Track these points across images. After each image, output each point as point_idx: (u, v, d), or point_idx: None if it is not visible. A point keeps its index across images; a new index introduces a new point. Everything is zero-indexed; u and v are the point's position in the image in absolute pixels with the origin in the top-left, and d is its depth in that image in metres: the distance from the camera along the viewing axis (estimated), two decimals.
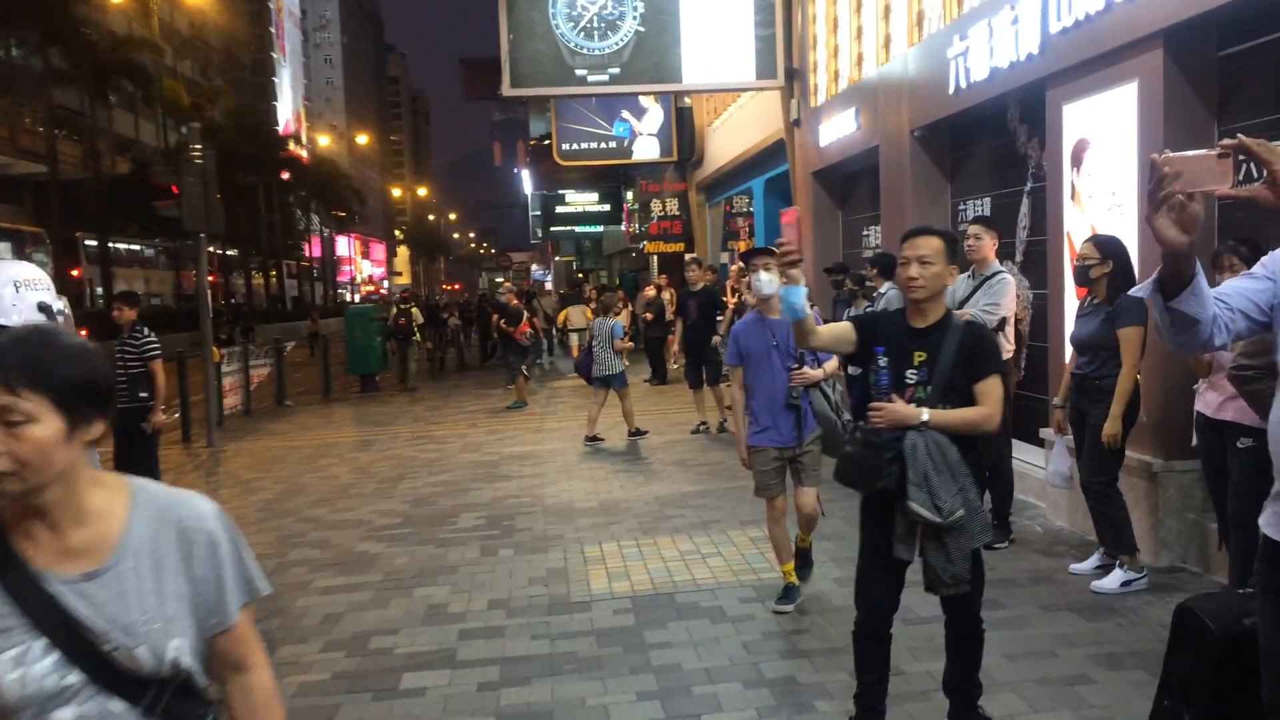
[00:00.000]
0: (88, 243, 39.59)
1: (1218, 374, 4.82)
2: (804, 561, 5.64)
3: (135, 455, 8.44)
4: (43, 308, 3.19)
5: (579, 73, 12.54)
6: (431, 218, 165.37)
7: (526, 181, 67.27)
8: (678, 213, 22.65)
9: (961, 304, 6.45)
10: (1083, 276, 5.36)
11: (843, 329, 3.77)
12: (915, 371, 3.54)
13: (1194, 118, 5.65)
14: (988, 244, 6.50)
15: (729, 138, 18.23)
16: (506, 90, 12.66)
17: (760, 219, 16.83)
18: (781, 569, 5.49)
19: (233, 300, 55.42)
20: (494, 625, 5.47)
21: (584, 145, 22.36)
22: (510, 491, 9.20)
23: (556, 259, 58.88)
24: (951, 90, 8.23)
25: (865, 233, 11.60)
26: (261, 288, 60.96)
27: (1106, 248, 5.33)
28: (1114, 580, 5.28)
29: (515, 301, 15.97)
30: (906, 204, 9.13)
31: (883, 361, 3.50)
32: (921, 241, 3.53)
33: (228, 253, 56.10)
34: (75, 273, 38.61)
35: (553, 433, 12.69)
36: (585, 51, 12.39)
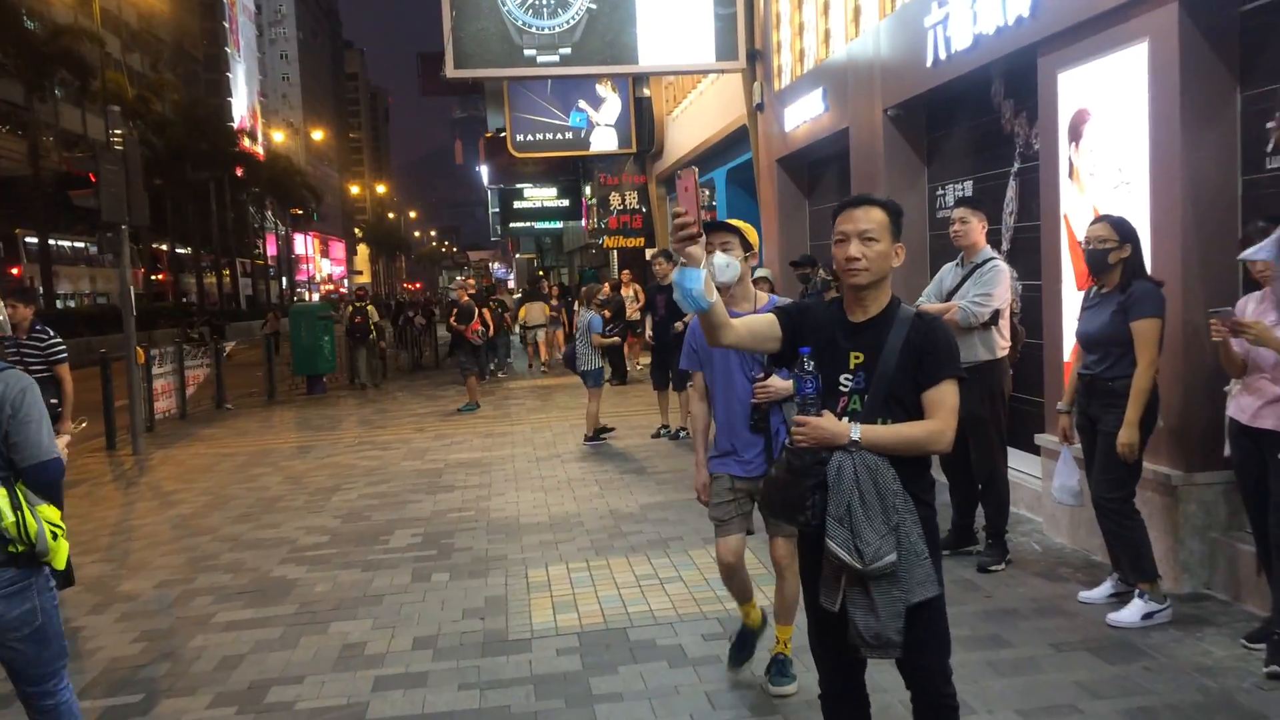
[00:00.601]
0: (28, 240, 38.23)
1: (1254, 375, 4.15)
2: (744, 644, 4.44)
3: None
4: None
5: (528, 53, 11.76)
6: (391, 216, 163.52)
7: (486, 177, 66.35)
8: (638, 206, 21.90)
9: (949, 295, 5.76)
10: (1098, 262, 4.67)
11: (764, 322, 2.97)
12: (850, 377, 2.80)
13: (1214, 82, 4.98)
14: (976, 227, 5.81)
15: (689, 127, 17.52)
16: (450, 72, 11.84)
17: (723, 211, 16.11)
18: (741, 609, 4.42)
19: (185, 300, 54.02)
20: (416, 671, 4.68)
21: (540, 136, 21.54)
22: (453, 504, 8.41)
23: (518, 256, 58.02)
24: (929, 63, 7.54)
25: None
26: (214, 287, 59.50)
27: (1122, 229, 4.64)
28: (1134, 612, 4.58)
29: (466, 298, 15.14)
30: (880, 190, 8.43)
31: (809, 365, 2.75)
32: (861, 214, 2.81)
33: (178, 250, 54.65)
34: (15, 271, 37.23)
35: (504, 438, 11.91)
36: (534, 30, 11.60)
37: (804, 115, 10.66)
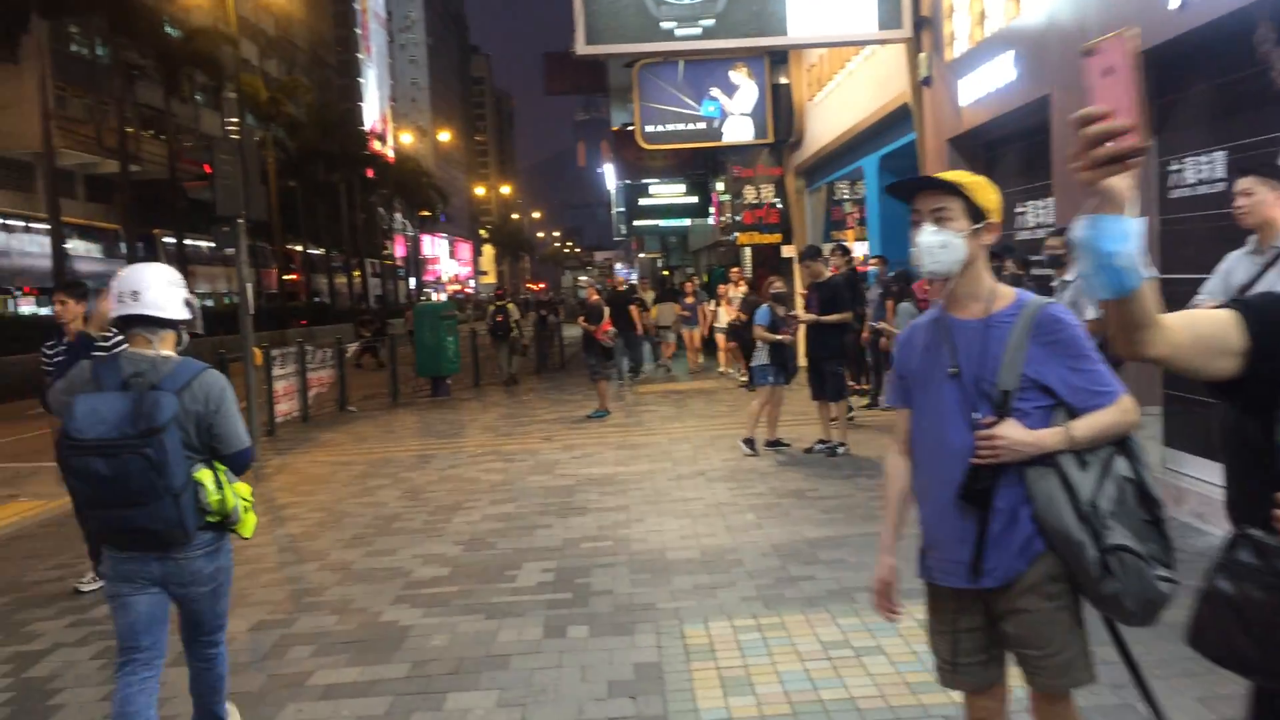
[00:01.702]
0: (166, 240, 39.06)
1: None
2: None
3: None
4: (187, 303, 3.60)
5: (666, 25, 10.67)
6: (516, 217, 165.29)
7: (610, 177, 65.72)
8: (774, 200, 20.61)
9: (1244, 290, 4.41)
10: None
11: (1214, 323, 1.78)
12: None
13: None
14: (1269, 200, 4.45)
15: (834, 112, 16.18)
16: (581, 48, 10.84)
17: (874, 203, 14.73)
18: None
19: (316, 299, 54.88)
20: None
21: (670, 127, 20.43)
22: (586, 530, 7.36)
23: (641, 256, 57.20)
24: (1176, 4, 6.14)
25: (1019, 209, 9.48)
26: (345, 286, 60.40)
27: None
28: None
29: (595, 297, 14.15)
30: None
31: None
32: None
33: (310, 251, 55.59)
34: None
35: (639, 450, 10.84)
36: (673, 0, 10.50)
37: (985, 86, 9.28)
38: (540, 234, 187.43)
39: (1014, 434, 2.48)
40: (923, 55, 10.95)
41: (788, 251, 20.76)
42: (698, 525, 7.31)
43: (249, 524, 3.73)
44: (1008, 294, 2.64)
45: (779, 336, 9.83)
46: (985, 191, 2.67)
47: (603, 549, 6.80)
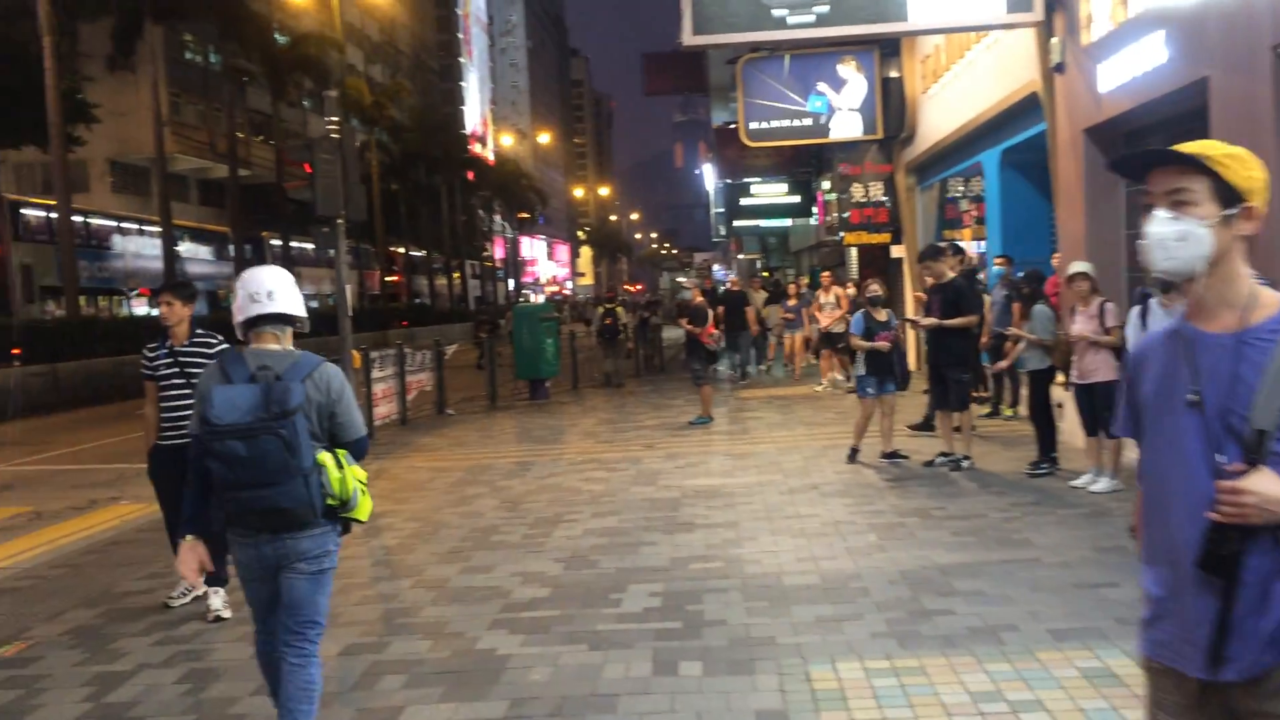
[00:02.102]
0: (273, 243, 39.86)
1: None
2: None
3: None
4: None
5: (777, 13, 10.14)
6: (614, 218, 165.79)
7: (709, 177, 65.14)
8: (883, 198, 19.85)
9: None
10: None
11: None
12: None
13: None
14: None
15: (951, 105, 15.40)
16: (687, 39, 10.37)
17: (994, 199, 13.93)
18: None
19: (417, 300, 55.57)
20: None
21: (774, 124, 19.83)
22: (694, 549, 6.88)
23: (740, 257, 56.52)
24: None
25: None
26: (444, 288, 61.07)
27: None
28: None
29: (700, 298, 13.65)
30: (1267, 151, 6.27)
31: None
32: None
33: (412, 253, 56.32)
34: None
35: (746, 460, 10.31)
36: None
37: (1130, 71, 8.52)
38: (638, 235, 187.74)
39: (1267, 488, 1.88)
40: (1055, 40, 10.18)
41: (897, 252, 19.98)
42: (815, 546, 6.76)
43: (365, 507, 3.90)
44: (1272, 301, 2.05)
45: (875, 344, 9.24)
46: (1242, 166, 2.04)
47: (713, 571, 6.31)
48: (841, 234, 20.09)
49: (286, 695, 3.72)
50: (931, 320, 9.01)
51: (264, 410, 3.56)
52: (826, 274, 17.22)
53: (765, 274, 43.31)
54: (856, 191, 20.14)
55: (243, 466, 3.56)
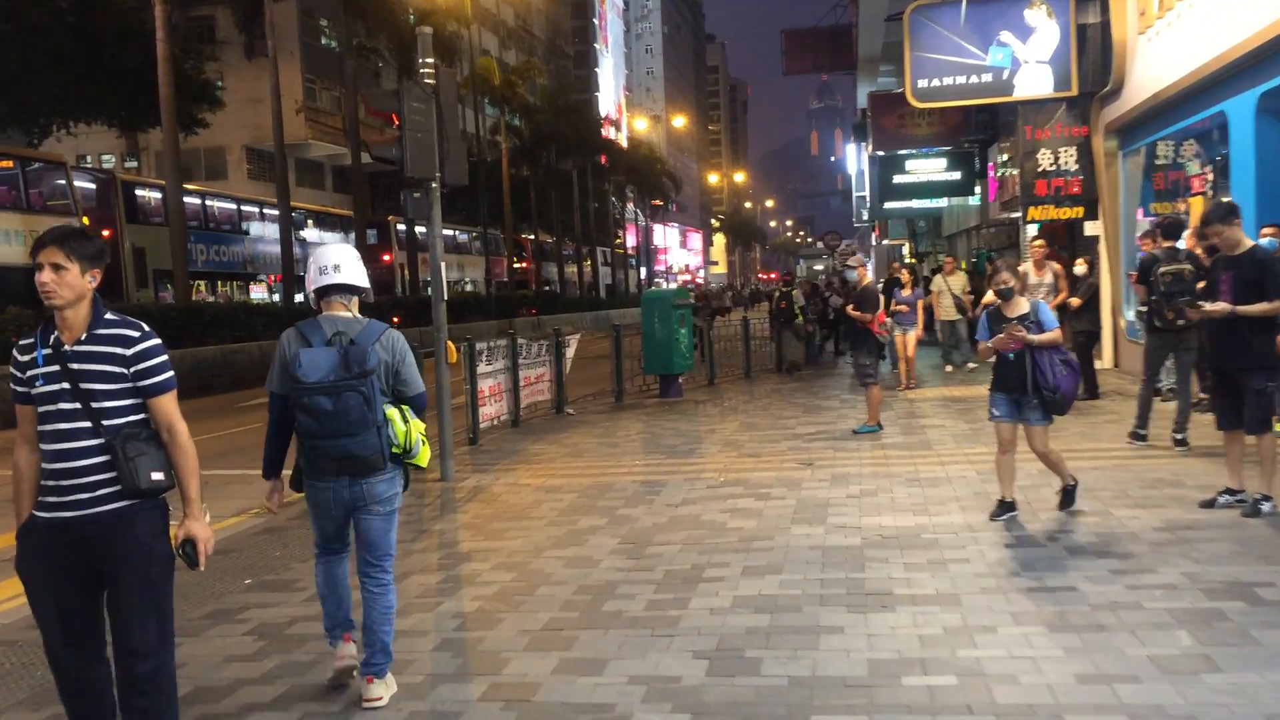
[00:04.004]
0: (399, 227, 38.82)
1: None
2: None
3: None
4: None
5: None
6: (749, 205, 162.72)
7: (851, 159, 61.81)
8: (1075, 167, 16.94)
9: None
10: None
11: None
12: None
13: None
14: None
15: (1179, 46, 12.55)
16: None
17: (1248, 156, 11.04)
18: None
19: (547, 287, 54.23)
20: None
21: (947, 81, 17.16)
22: (904, 646, 4.58)
23: (884, 242, 53.22)
24: None
25: None
26: (574, 276, 59.60)
27: None
28: None
29: (868, 280, 11.23)
30: None
31: None
32: None
33: (542, 239, 54.95)
34: (386, 257, 37.85)
35: (939, 487, 7.91)
36: None
37: None
38: (772, 223, 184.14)
39: None
40: None
41: (1091, 229, 17.08)
42: (1096, 654, 4.37)
43: (425, 455, 4.41)
44: None
45: (998, 344, 6.62)
46: None
47: (945, 694, 4.01)
48: (1026, 208, 17.24)
49: (372, 619, 4.32)
50: (1222, 306, 6.43)
51: (345, 370, 4.09)
52: (949, 259, 14.06)
53: (912, 260, 40.23)
54: (1043, 159, 17.29)
55: (328, 419, 4.08)
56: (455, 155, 9.36)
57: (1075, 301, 12.21)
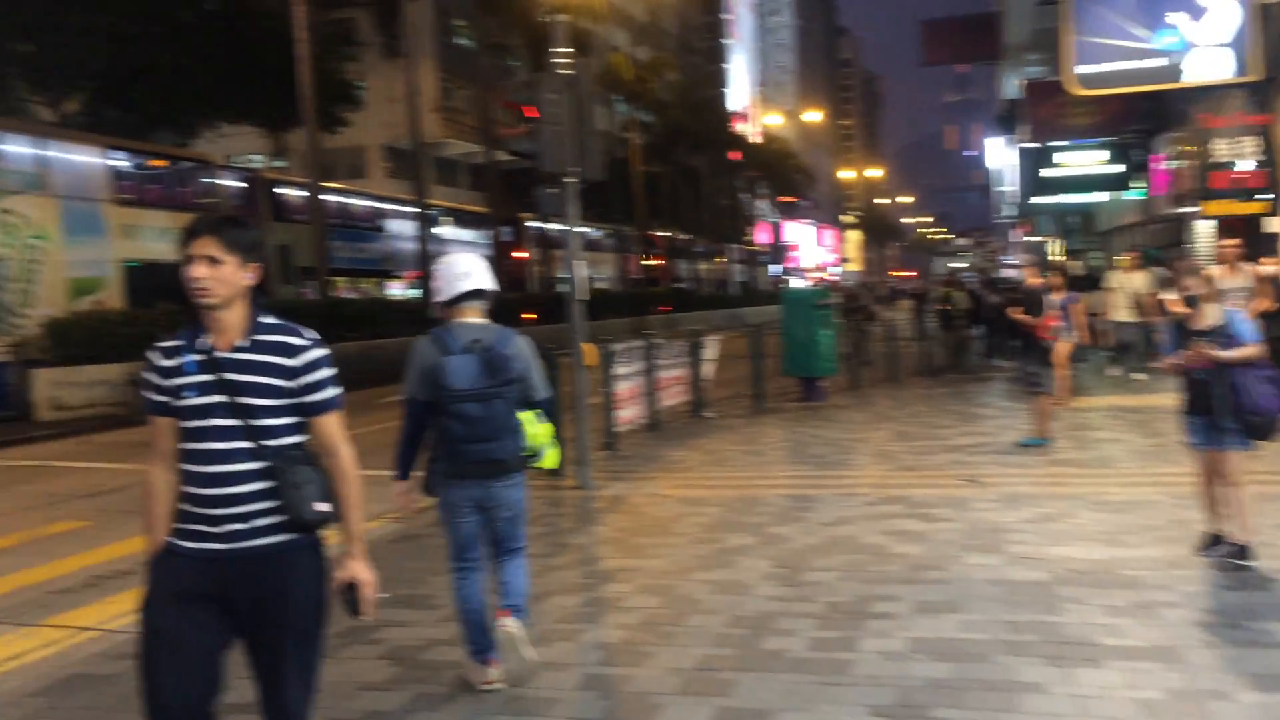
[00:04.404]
0: (530, 225, 38.97)
1: None
2: None
3: None
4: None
5: None
6: (885, 201, 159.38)
7: (991, 154, 59.61)
8: (1259, 158, 15.58)
9: None
10: None
11: None
12: None
13: None
14: None
15: None
16: None
17: None
18: None
19: (679, 284, 53.86)
20: None
21: (1112, 66, 16.06)
22: (1122, 711, 3.92)
23: (1028, 238, 51.06)
24: None
25: None
26: (706, 273, 59.07)
27: None
28: None
29: (1035, 280, 10.39)
30: None
31: None
32: None
33: (673, 236, 54.61)
34: (519, 255, 38.04)
35: (1133, 513, 7.10)
36: None
37: None
38: (907, 219, 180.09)
39: None
40: None
41: (1273, 225, 15.72)
42: None
43: (552, 458, 4.55)
44: None
45: (1183, 363, 5.70)
46: None
47: None
48: (1201, 203, 15.96)
49: (512, 590, 4.52)
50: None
51: (489, 377, 4.23)
52: (1232, 243, 12.41)
53: (1064, 259, 38.34)
54: (1219, 150, 15.98)
55: (477, 424, 4.25)
56: (593, 149, 8.96)
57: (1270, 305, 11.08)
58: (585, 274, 9.14)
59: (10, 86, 26.53)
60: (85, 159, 18.11)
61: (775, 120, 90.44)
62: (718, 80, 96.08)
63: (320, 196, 22.37)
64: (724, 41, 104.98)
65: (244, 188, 25.11)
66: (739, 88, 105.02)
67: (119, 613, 5.87)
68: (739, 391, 15.35)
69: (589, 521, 7.81)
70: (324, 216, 22.57)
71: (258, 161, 46.16)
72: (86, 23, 21.99)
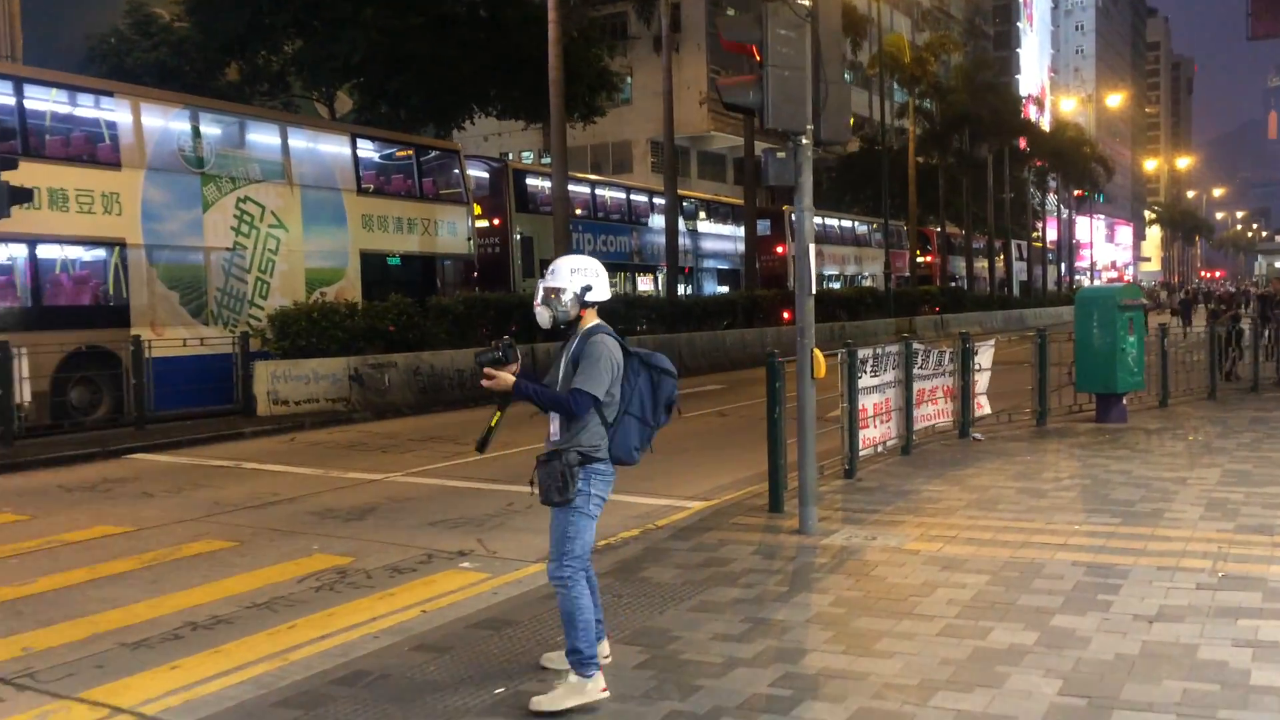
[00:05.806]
0: (793, 218, 36.91)
1: None
2: None
3: None
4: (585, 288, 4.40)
5: None
6: (1190, 194, 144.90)
7: None
8: None
9: None
10: None
11: None
12: None
13: None
14: None
15: None
16: None
17: None
18: None
19: (953, 283, 50.09)
20: None
21: None
22: None
23: None
24: None
25: None
26: (984, 271, 54.75)
27: None
28: None
29: None
30: None
31: None
32: None
33: (949, 231, 50.83)
34: (779, 249, 36.10)
35: None
36: None
37: None
38: (1219, 214, 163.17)
39: None
40: None
41: None
42: None
43: None
44: None
45: None
46: None
47: None
48: None
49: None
50: None
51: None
52: None
53: None
54: None
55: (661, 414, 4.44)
56: (835, 101, 7.03)
57: None
58: (813, 264, 7.22)
59: (286, 84, 27.47)
60: (328, 148, 17.87)
61: (1070, 106, 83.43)
62: (1007, 66, 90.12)
63: (565, 185, 21.42)
64: (1016, 25, 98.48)
65: (490, 177, 24.62)
66: (1030, 73, 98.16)
67: (166, 689, 4.61)
68: (1015, 405, 12.78)
69: (802, 585, 5.92)
70: (567, 206, 21.62)
71: (528, 158, 46.82)
72: (348, 13, 22.07)
